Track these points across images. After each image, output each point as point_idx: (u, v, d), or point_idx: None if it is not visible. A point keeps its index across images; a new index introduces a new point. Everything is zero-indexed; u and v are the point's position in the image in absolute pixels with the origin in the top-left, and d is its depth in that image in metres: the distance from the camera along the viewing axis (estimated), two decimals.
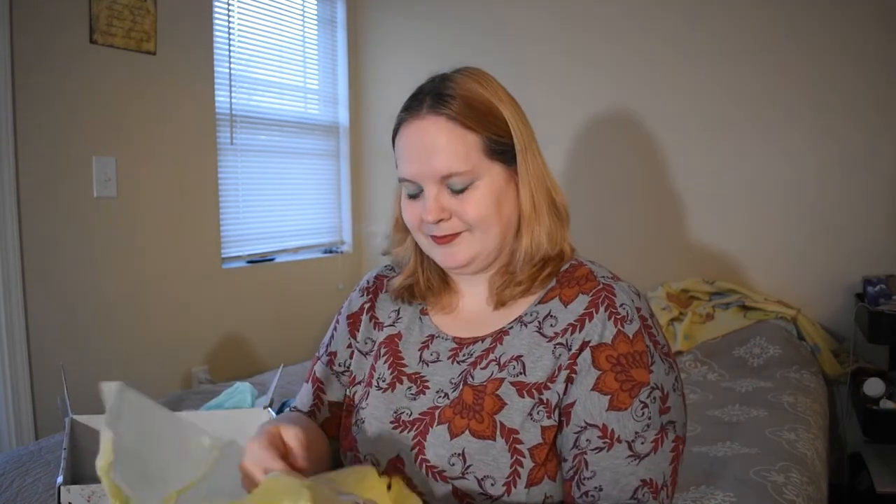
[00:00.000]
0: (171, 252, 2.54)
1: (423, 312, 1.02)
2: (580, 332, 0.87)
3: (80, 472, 1.24)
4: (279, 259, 3.04)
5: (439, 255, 0.94)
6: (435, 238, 0.93)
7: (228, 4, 2.75)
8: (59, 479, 0.99)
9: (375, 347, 1.04)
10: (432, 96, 0.91)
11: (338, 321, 1.10)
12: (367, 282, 1.11)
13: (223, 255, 2.78)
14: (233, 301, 2.78)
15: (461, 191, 0.90)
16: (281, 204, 3.09)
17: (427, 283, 1.02)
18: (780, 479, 1.53)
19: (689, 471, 1.59)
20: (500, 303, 0.94)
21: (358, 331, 1.07)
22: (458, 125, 0.89)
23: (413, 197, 0.94)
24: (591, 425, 0.84)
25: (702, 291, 2.80)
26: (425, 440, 0.90)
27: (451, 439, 0.87)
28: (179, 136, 2.55)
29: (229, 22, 2.76)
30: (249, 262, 2.91)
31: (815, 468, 1.68)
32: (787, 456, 1.67)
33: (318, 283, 3.20)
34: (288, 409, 1.13)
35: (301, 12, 3.17)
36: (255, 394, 1.87)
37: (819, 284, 2.70)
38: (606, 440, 0.83)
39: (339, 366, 1.08)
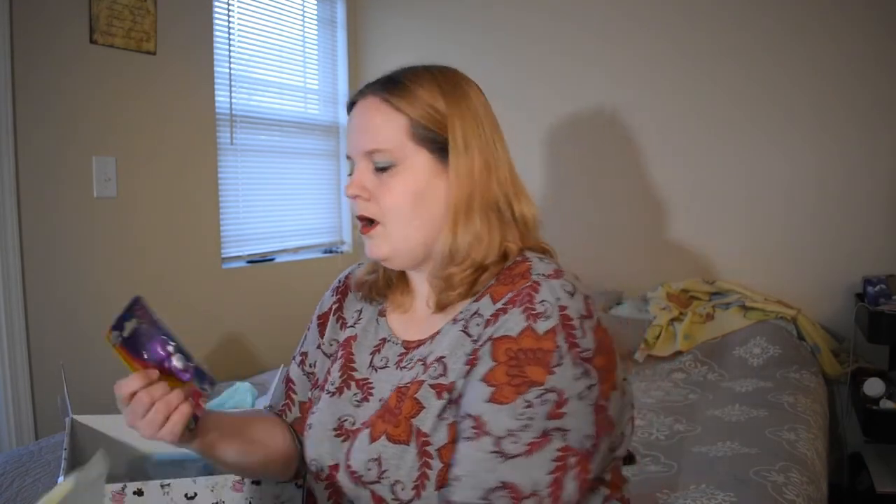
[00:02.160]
0: (171, 252, 2.54)
1: (381, 314, 1.01)
2: (492, 326, 0.83)
3: None
4: (279, 259, 3.04)
5: (366, 245, 0.94)
6: (362, 228, 0.92)
7: (228, 4, 2.75)
8: (60, 480, 0.99)
9: (336, 349, 1.03)
10: (382, 80, 0.93)
11: (311, 321, 1.10)
12: (339, 281, 1.11)
13: (223, 255, 2.78)
14: (233, 301, 2.78)
15: (384, 169, 0.89)
16: (281, 204, 3.09)
17: (386, 280, 1.01)
18: (780, 479, 1.53)
19: (690, 471, 1.59)
20: (438, 306, 0.91)
21: (325, 331, 1.07)
22: (390, 106, 0.89)
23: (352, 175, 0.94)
24: (468, 415, 0.81)
25: (702, 291, 2.80)
26: (353, 447, 0.89)
27: (369, 444, 0.87)
28: (179, 136, 2.55)
29: (229, 22, 2.76)
30: (249, 262, 2.90)
31: (815, 468, 1.68)
32: (787, 456, 1.67)
33: (318, 283, 3.18)
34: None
35: (301, 12, 3.17)
36: (256, 394, 1.87)
37: (819, 284, 2.70)
38: (476, 430, 0.79)
39: (309, 366, 1.07)
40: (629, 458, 1.65)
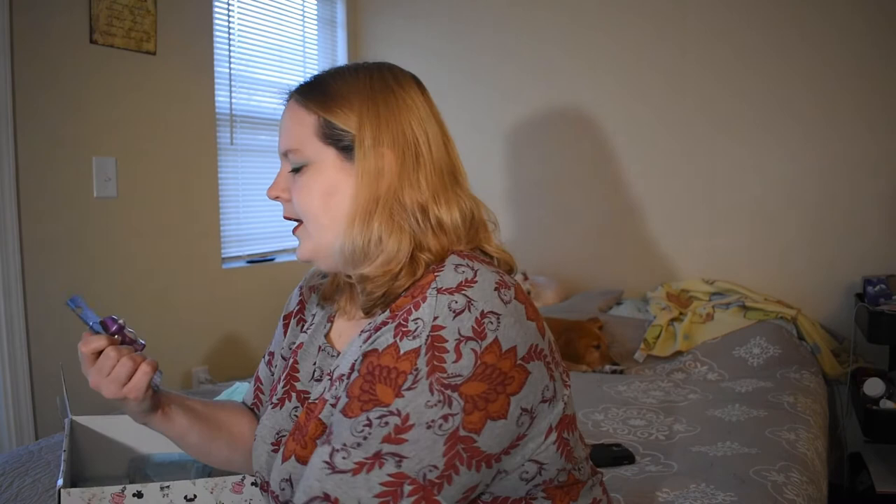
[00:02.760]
0: (171, 252, 2.54)
1: (330, 319, 0.98)
2: (371, 339, 0.80)
3: (81, 474, 1.24)
4: (279, 259, 3.04)
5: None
6: (293, 229, 0.92)
7: (228, 4, 2.75)
8: (60, 482, 0.99)
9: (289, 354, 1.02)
10: (304, 82, 0.92)
11: (279, 319, 1.09)
12: (305, 280, 1.08)
13: (223, 255, 2.78)
14: (233, 301, 2.78)
15: (298, 170, 0.88)
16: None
17: (335, 285, 0.98)
18: (780, 479, 1.53)
19: (690, 471, 1.59)
20: (364, 309, 0.87)
21: (287, 333, 1.05)
22: (303, 107, 0.88)
23: None
24: (331, 423, 0.80)
25: (702, 291, 2.80)
26: (273, 465, 0.88)
27: (281, 463, 0.85)
28: (179, 136, 2.55)
29: (229, 22, 2.76)
30: (249, 262, 2.91)
31: (815, 468, 1.68)
32: (787, 456, 1.67)
33: None
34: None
35: (301, 12, 3.17)
36: None
37: (819, 284, 2.70)
38: (326, 437, 0.78)
39: (275, 366, 1.06)
40: (629, 459, 1.66)
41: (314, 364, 0.95)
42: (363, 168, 0.85)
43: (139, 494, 1.02)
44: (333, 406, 0.81)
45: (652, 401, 2.17)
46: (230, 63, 2.76)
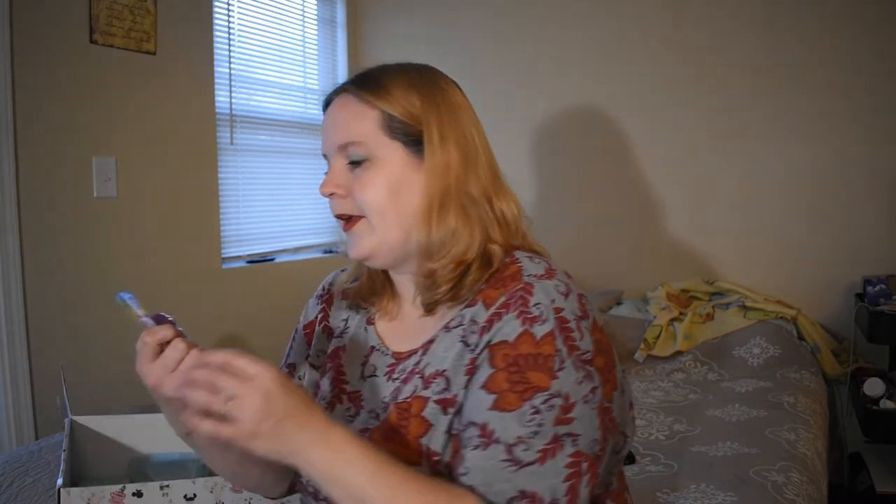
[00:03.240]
0: (171, 252, 2.54)
1: (369, 322, 0.97)
2: (488, 333, 0.80)
3: (80, 474, 1.24)
4: (279, 259, 3.04)
5: (348, 244, 0.91)
6: (344, 226, 0.90)
7: (228, 4, 2.75)
8: (60, 482, 0.99)
9: (323, 361, 1.00)
10: (356, 77, 0.91)
11: (297, 330, 1.06)
12: (323, 288, 1.07)
13: (223, 255, 2.78)
14: (233, 301, 2.78)
15: (358, 164, 0.87)
16: (281, 204, 3.08)
17: (370, 285, 0.97)
18: (780, 479, 1.53)
19: (690, 471, 1.59)
20: (427, 308, 0.88)
21: (312, 342, 1.03)
22: (363, 101, 0.87)
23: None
24: (472, 423, 0.78)
25: (702, 291, 2.80)
26: None
27: None
28: (179, 136, 2.55)
29: (229, 22, 2.76)
30: (249, 262, 2.90)
31: (815, 468, 1.68)
32: (787, 456, 1.67)
33: (317, 284, 3.18)
34: None
35: (301, 12, 3.17)
36: None
37: (819, 284, 2.70)
38: (483, 439, 0.76)
39: (299, 379, 1.04)
40: (629, 458, 1.66)
41: (362, 365, 0.94)
42: (433, 163, 0.86)
43: (139, 494, 1.02)
44: (438, 403, 0.81)
45: (652, 401, 2.17)
46: (230, 63, 2.76)
